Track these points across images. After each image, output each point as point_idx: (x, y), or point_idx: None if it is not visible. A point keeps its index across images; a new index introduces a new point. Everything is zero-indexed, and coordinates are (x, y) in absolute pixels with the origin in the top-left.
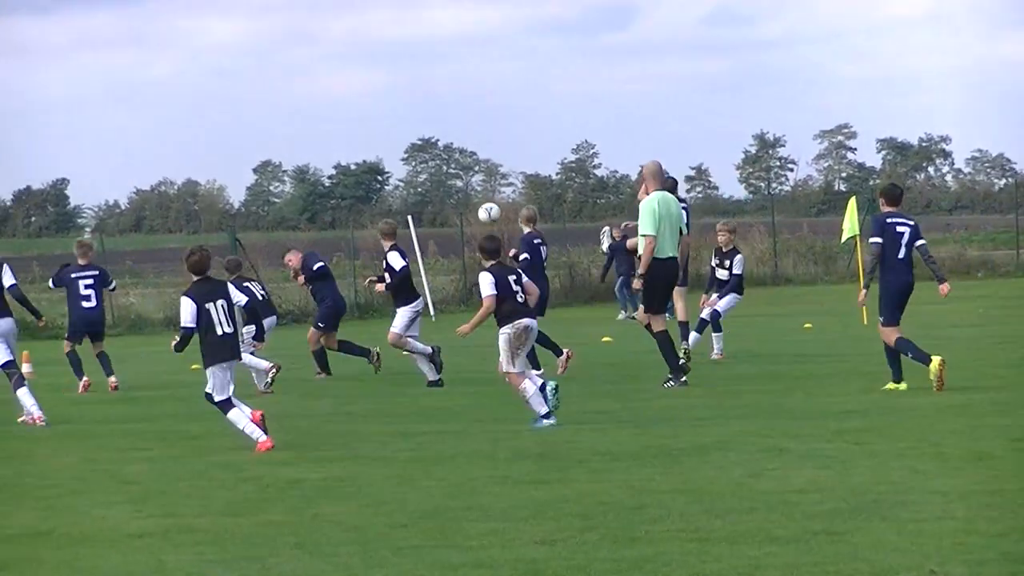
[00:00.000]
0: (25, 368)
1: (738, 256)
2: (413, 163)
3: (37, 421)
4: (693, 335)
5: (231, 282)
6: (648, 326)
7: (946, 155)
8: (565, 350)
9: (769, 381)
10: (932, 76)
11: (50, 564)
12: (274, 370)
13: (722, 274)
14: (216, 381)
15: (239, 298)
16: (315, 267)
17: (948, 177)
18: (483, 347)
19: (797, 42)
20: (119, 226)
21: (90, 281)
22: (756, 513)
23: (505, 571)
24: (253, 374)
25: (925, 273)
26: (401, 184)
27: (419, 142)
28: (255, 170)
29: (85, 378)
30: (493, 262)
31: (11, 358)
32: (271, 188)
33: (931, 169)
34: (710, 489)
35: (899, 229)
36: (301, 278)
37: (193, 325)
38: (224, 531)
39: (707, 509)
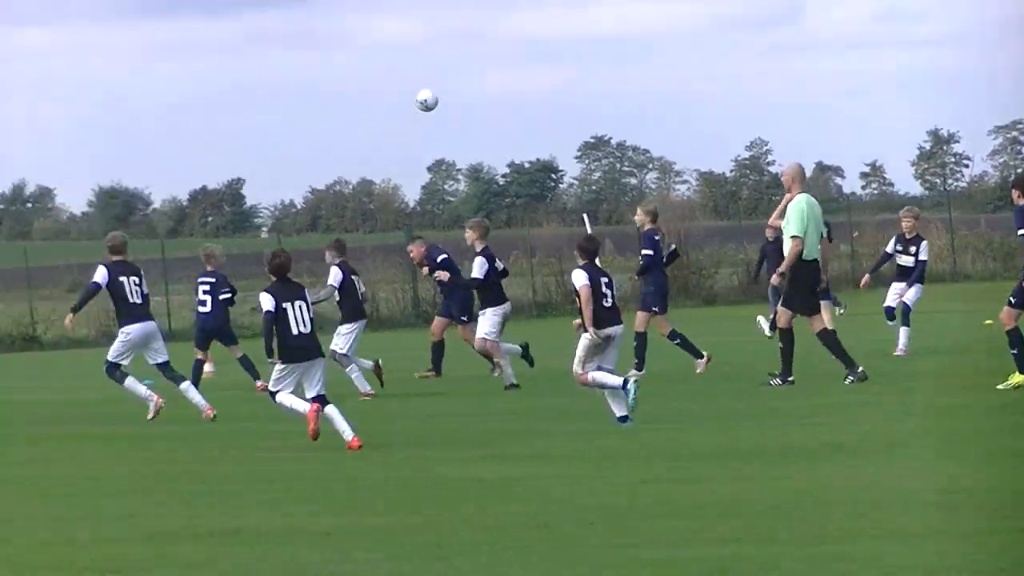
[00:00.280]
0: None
1: (923, 242)
2: (587, 161)
3: (155, 406)
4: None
5: (336, 264)
6: (777, 327)
7: None
8: (705, 353)
9: (948, 378)
10: None
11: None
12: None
13: (906, 260)
14: (279, 376)
15: (335, 278)
16: (439, 259)
17: None
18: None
19: (966, 38)
20: (295, 225)
21: (207, 287)
22: (942, 511)
23: (694, 569)
24: (353, 376)
25: None
26: (575, 182)
27: (592, 140)
28: (429, 169)
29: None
30: (587, 262)
31: (165, 359)
32: (445, 187)
33: None
34: (899, 487)
35: None
36: (426, 268)
37: (273, 311)
38: (408, 529)
39: (900, 508)
